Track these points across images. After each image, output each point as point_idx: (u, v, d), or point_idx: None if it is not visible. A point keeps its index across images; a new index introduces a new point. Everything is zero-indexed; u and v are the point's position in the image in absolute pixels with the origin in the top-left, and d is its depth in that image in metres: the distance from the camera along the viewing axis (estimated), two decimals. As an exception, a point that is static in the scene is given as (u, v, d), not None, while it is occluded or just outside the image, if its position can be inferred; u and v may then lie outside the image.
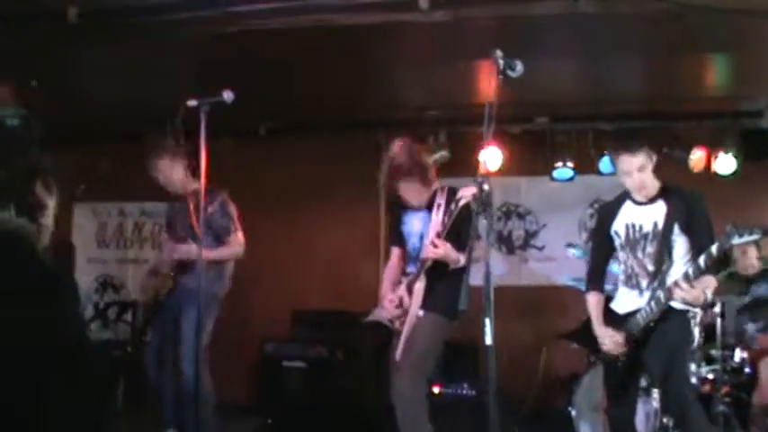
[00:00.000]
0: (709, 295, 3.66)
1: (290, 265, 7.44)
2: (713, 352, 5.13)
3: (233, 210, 5.16)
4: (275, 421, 6.27)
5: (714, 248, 3.47)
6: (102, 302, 7.82)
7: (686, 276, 3.56)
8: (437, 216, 4.22)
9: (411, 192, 4.36)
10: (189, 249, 4.84)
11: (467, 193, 3.94)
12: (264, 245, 6.18)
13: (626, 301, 3.96)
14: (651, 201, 3.91)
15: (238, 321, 5.54)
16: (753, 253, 5.62)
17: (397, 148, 4.33)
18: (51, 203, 2.41)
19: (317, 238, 7.54)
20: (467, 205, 3.97)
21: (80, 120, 7.08)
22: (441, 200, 4.27)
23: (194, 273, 4.73)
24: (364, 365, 6.10)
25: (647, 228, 3.88)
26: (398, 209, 4.60)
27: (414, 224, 4.45)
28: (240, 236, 5.15)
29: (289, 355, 6.37)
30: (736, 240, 3.39)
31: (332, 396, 6.15)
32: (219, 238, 5.07)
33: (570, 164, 7.10)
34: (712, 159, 6.85)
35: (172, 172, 5.10)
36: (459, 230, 4.07)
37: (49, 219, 2.40)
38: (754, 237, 3.37)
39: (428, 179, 4.36)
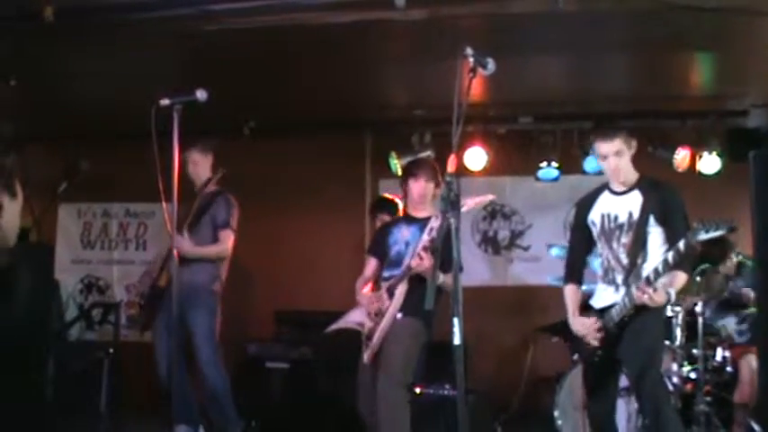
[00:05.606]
0: (673, 294, 3.64)
1: (274, 266, 7.41)
2: (695, 351, 5.14)
3: (236, 212, 5.33)
4: (258, 422, 6.24)
5: (681, 244, 3.45)
6: (86, 304, 7.78)
7: (656, 272, 3.54)
8: (427, 236, 4.33)
9: (423, 192, 4.63)
10: (181, 242, 4.85)
11: (469, 202, 3.98)
12: (248, 245, 6.12)
13: (603, 296, 3.94)
14: (627, 191, 3.91)
15: (221, 322, 5.53)
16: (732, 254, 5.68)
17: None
18: (12, 204, 2.39)
19: (302, 238, 7.50)
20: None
21: (63, 119, 7.06)
22: (435, 224, 4.34)
23: (189, 269, 4.90)
24: (347, 366, 6.07)
25: (623, 218, 3.87)
26: (390, 222, 4.97)
27: (403, 233, 4.64)
28: (231, 236, 5.23)
29: (272, 355, 6.35)
30: (702, 236, 3.36)
31: (315, 397, 6.12)
32: (215, 231, 5.21)
33: (555, 164, 7.10)
34: (696, 159, 6.85)
35: (200, 166, 5.31)
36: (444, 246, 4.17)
37: (8, 219, 2.37)
38: (720, 232, 3.34)
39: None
